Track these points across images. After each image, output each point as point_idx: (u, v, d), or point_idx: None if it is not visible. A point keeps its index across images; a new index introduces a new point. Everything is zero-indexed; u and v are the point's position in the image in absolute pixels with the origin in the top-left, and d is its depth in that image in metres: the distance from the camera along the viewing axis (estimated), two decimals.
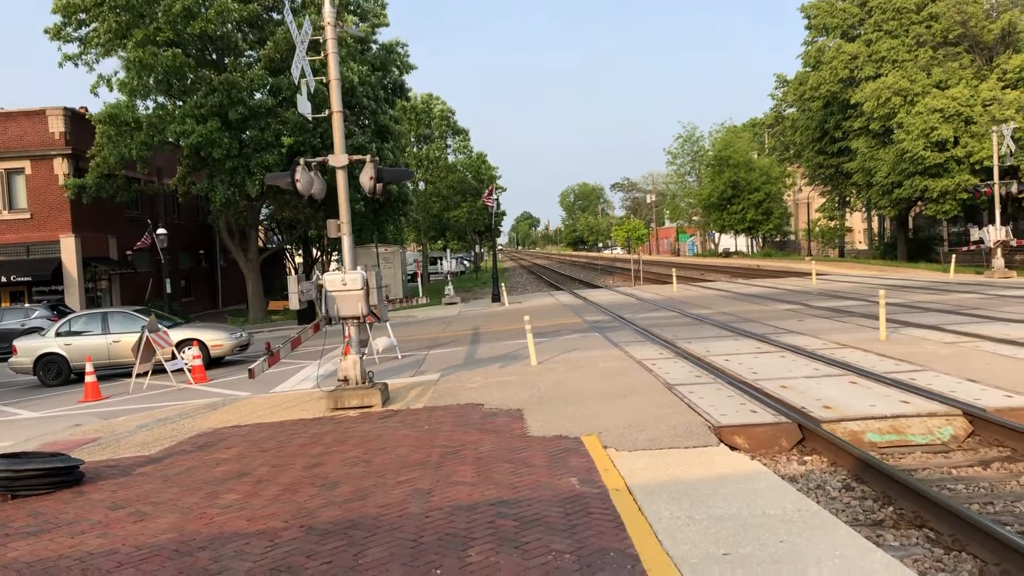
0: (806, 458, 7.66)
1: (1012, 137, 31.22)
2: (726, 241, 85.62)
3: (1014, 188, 30.77)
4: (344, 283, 10.83)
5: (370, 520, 6.13)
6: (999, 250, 29.74)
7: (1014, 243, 31.21)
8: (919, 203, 44.29)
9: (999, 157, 31.07)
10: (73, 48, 31.36)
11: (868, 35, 45.34)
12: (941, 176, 39.19)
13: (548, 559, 5.08)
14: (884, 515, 6.11)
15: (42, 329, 21.49)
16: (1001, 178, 31.37)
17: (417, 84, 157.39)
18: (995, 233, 29.54)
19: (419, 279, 44.28)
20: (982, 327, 14.26)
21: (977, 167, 38.08)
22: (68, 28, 31.01)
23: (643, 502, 6.02)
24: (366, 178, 11.25)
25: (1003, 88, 38.94)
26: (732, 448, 7.67)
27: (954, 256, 34.45)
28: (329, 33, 11.29)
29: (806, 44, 50.82)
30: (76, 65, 31.60)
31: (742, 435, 8.05)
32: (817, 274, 32.91)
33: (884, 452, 7.68)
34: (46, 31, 30.80)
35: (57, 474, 8.00)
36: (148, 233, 31.54)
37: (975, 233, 31.18)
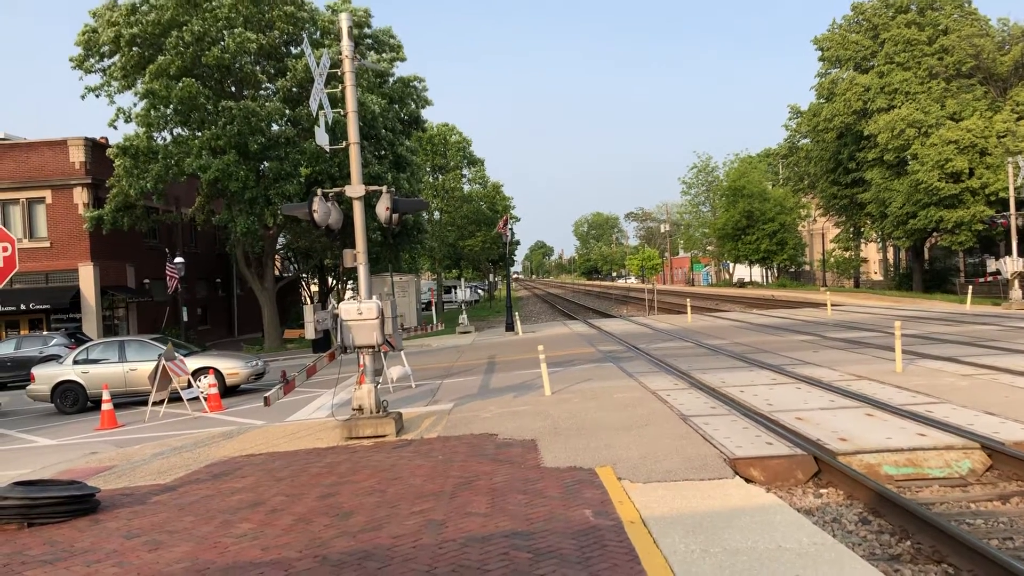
0: (822, 491, 7.60)
1: None
2: (740, 271, 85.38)
3: None
4: (360, 312, 10.90)
5: (384, 551, 6.13)
6: (1016, 282, 29.55)
7: None
8: (934, 234, 44.16)
9: (1015, 188, 31.03)
10: (95, 79, 32.01)
11: (881, 67, 45.53)
12: (956, 207, 39.15)
13: None
14: (902, 549, 6.05)
15: (60, 357, 21.68)
16: (1017, 209, 31.29)
17: (432, 113, 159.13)
18: (1012, 265, 29.39)
19: (433, 308, 44.35)
20: (1000, 359, 14.13)
21: (992, 198, 38.04)
22: (91, 59, 31.66)
23: (658, 535, 6.00)
24: (382, 208, 11.36)
25: (1017, 120, 38.99)
26: (747, 480, 7.62)
27: (971, 287, 34.17)
28: (347, 66, 11.47)
29: (819, 76, 51.06)
30: (97, 96, 32.25)
31: (757, 467, 8.01)
32: (832, 305, 32.75)
33: (901, 485, 7.61)
34: (71, 59, 31.48)
35: (73, 502, 8.04)
36: (169, 263, 31.82)
37: (992, 264, 31.06)
